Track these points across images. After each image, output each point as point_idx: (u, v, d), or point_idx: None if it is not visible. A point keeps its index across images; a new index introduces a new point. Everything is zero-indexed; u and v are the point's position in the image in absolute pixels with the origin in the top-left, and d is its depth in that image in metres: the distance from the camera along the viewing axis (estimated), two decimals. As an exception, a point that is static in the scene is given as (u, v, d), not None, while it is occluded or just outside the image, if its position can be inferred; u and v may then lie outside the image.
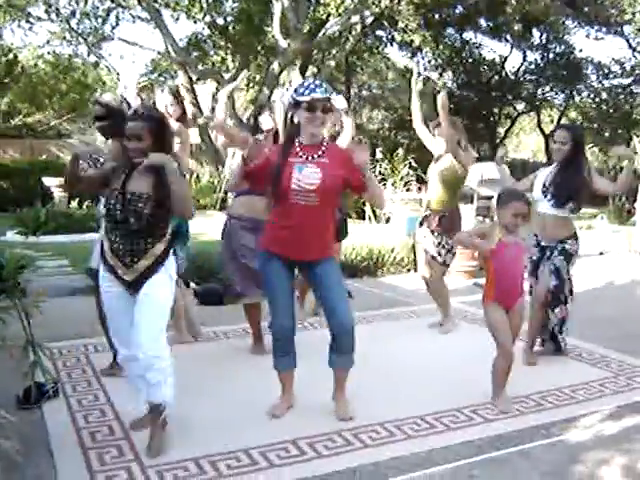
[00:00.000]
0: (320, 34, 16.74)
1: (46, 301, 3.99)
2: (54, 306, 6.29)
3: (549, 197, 5.03)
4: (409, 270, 9.01)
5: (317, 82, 3.85)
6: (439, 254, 5.86)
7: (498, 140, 27.24)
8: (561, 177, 5.02)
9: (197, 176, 17.66)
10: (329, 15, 16.27)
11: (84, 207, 12.99)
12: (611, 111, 23.38)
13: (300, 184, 3.76)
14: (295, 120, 3.89)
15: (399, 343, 5.61)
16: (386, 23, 19.73)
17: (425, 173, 6.88)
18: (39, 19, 16.76)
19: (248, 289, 5.13)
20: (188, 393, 4.17)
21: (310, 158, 3.82)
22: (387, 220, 11.88)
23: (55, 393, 4.32)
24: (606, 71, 24.09)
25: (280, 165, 3.80)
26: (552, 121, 28.26)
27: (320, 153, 3.84)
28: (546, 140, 27.39)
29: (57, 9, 16.37)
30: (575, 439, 3.84)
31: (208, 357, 5.28)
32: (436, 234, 5.83)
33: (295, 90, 3.84)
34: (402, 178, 12.96)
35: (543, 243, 5.10)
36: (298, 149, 3.85)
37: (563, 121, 26.76)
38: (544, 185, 5.07)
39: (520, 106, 27.61)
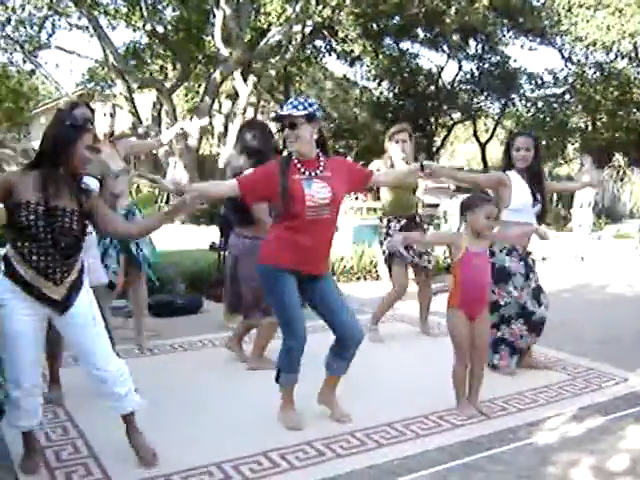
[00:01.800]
0: (262, 43, 16.71)
1: None
2: None
3: (536, 207, 4.99)
4: (359, 278, 9.04)
5: (292, 100, 3.91)
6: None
7: (435, 149, 27.67)
8: (542, 186, 5.06)
9: (137, 186, 17.41)
10: (270, 24, 16.26)
11: None
12: (547, 119, 23.94)
13: (314, 200, 3.78)
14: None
15: (363, 352, 5.59)
16: (326, 33, 19.85)
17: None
18: (-27, 26, 16.35)
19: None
20: (185, 402, 4.27)
21: (313, 174, 3.84)
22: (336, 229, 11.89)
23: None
24: (539, 81, 24.69)
25: (287, 184, 3.77)
26: (487, 130, 28.82)
27: (321, 168, 3.87)
28: (482, 148, 27.95)
29: (-8, 17, 15.99)
30: (543, 441, 3.89)
31: (184, 368, 5.22)
32: None
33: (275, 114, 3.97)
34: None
35: (523, 254, 5.01)
36: (299, 165, 3.85)
37: (498, 130, 27.35)
38: (533, 195, 4.97)
39: (456, 115, 28.10)
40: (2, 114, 20.15)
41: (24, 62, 17.82)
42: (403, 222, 5.91)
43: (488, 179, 5.37)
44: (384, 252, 6.07)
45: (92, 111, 4.92)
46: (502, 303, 4.97)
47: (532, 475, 3.48)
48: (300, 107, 3.81)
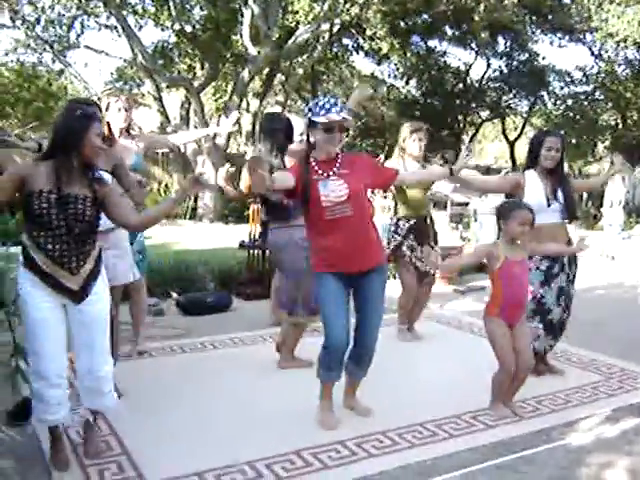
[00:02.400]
0: (290, 42, 16.72)
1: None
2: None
3: (559, 207, 4.92)
4: (388, 277, 8.99)
5: (332, 101, 3.86)
6: None
7: (463, 147, 27.51)
8: (569, 185, 4.99)
9: (166, 185, 17.51)
10: (298, 23, 16.25)
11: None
12: (577, 117, 23.70)
13: (329, 199, 3.78)
14: (312, 139, 3.90)
15: (391, 351, 5.57)
16: (354, 31, 19.80)
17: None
18: (3, 26, 16.50)
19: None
20: (214, 400, 4.30)
21: (330, 174, 3.84)
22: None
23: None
24: (568, 79, 24.43)
25: (307, 185, 3.80)
26: (516, 128, 28.57)
27: (338, 166, 3.87)
28: (511, 147, 27.73)
29: (23, 16, 16.10)
30: (576, 443, 3.84)
31: (214, 366, 5.23)
32: None
33: (310, 110, 3.87)
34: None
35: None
36: (316, 167, 3.86)
37: (527, 128, 27.12)
38: (554, 195, 4.90)
39: (484, 113, 27.88)
40: (32, 113, 20.34)
41: (53, 62, 17.97)
42: (412, 222, 5.86)
43: (500, 185, 5.24)
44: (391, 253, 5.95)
45: (101, 110, 4.93)
46: None
47: (565, 476, 3.45)
48: (346, 112, 3.86)
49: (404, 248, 5.84)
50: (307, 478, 3.40)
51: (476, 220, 11.30)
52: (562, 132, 24.34)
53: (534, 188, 4.88)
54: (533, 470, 3.51)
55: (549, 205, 4.85)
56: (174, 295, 7.38)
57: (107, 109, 5.14)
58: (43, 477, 3.42)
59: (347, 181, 3.83)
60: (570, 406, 4.40)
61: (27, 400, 4.03)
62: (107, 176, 3.92)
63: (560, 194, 4.91)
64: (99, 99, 7.74)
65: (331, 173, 3.84)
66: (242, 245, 8.00)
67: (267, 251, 6.95)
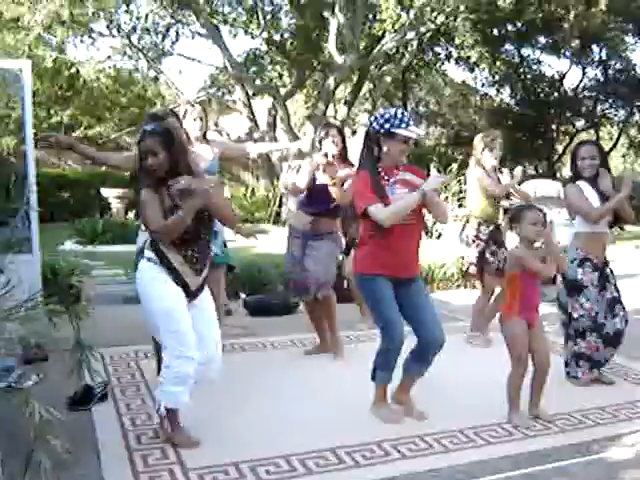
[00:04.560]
0: (376, 50, 16.83)
1: (94, 308, 4.13)
2: (108, 313, 6.53)
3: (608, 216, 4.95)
4: (458, 286, 9.00)
5: (408, 115, 4.09)
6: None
7: (556, 157, 26.94)
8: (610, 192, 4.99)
9: (252, 190, 17.89)
10: (385, 31, 16.35)
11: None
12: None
13: None
14: (384, 148, 4.07)
15: (444, 357, 5.60)
16: (442, 39, 19.75)
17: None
18: (101, 34, 17.17)
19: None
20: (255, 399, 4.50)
21: (395, 180, 4.08)
22: (438, 236, 11.86)
23: (104, 396, 4.47)
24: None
25: (382, 192, 4.00)
26: (611, 138, 27.80)
27: (400, 174, 4.11)
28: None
29: (118, 25, 16.75)
30: (615, 457, 3.80)
31: (275, 364, 5.47)
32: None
33: (387, 120, 4.03)
34: (454, 194, 12.89)
35: (599, 265, 4.95)
36: (382, 173, 4.09)
37: (622, 139, 26.35)
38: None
39: (579, 123, 27.23)
40: (127, 118, 21.14)
41: (148, 69, 18.62)
42: (492, 227, 5.98)
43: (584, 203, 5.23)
44: (473, 256, 6.13)
45: (179, 120, 5.20)
46: (575, 316, 4.94)
47: (596, 489, 3.44)
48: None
49: (487, 255, 5.97)
50: (338, 475, 3.52)
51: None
52: None
53: (589, 197, 4.91)
54: (564, 481, 3.52)
55: None
56: (242, 296, 7.60)
57: (184, 117, 5.41)
58: (92, 457, 3.65)
59: (409, 190, 4.06)
60: (616, 421, 4.34)
61: (87, 387, 4.33)
62: None
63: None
64: (178, 106, 8.07)
65: (396, 180, 4.08)
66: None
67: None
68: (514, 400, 4.28)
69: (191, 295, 3.76)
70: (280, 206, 17.34)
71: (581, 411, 4.45)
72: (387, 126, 4.01)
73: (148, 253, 3.75)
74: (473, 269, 6.20)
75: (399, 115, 4.02)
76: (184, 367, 3.64)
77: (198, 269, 3.75)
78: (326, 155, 5.36)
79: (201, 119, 5.52)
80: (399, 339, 4.08)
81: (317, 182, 5.31)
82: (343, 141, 5.48)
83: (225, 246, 5.83)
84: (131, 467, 3.53)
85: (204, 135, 5.57)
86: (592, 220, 4.86)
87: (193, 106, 5.57)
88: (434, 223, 12.93)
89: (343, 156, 5.45)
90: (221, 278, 5.88)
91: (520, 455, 3.78)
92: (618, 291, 5.06)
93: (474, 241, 6.07)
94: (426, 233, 10.83)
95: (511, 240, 4.86)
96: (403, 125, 3.99)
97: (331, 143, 5.39)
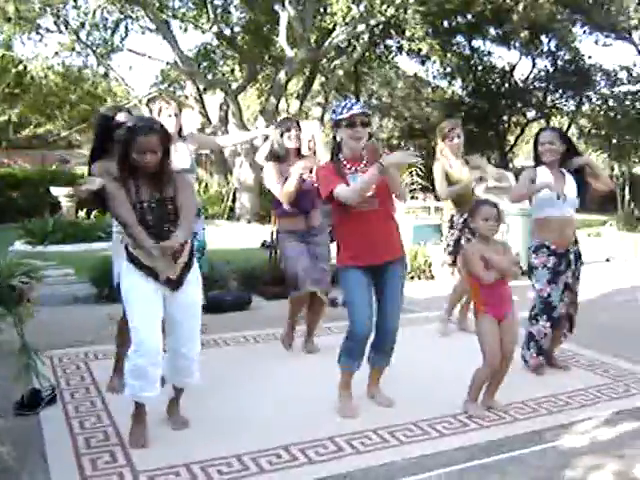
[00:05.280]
0: (327, 43, 16.78)
1: (39, 310, 4.04)
2: (58, 314, 6.41)
3: (570, 200, 4.94)
4: (412, 278, 9.01)
5: (353, 101, 4.20)
6: None
7: (508, 148, 27.22)
8: (576, 177, 5.03)
9: (205, 185, 17.75)
10: (335, 24, 16.32)
11: (91, 217, 13.09)
12: (619, 117, 23.24)
13: None
14: (338, 138, 4.14)
15: (401, 350, 5.59)
16: (393, 32, 19.78)
17: (430, 182, 7.11)
18: (48, 31, 16.85)
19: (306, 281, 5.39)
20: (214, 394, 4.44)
21: (357, 169, 4.10)
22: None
23: (53, 399, 4.36)
24: (614, 78, 23.95)
25: (340, 180, 4.01)
26: (562, 129, 28.12)
27: (365, 162, 4.12)
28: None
29: (66, 21, 16.44)
30: (568, 445, 3.82)
31: (229, 360, 5.39)
32: None
33: (334, 111, 4.16)
34: (407, 185, 12.93)
35: (559, 250, 4.94)
36: (345, 163, 4.12)
37: (572, 128, 26.69)
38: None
39: (530, 113, 27.52)
40: (77, 115, 20.82)
41: (98, 65, 18.32)
42: (466, 215, 5.97)
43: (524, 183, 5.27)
44: (448, 245, 6.22)
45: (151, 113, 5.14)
46: (531, 298, 5.01)
47: (550, 478, 3.44)
48: (366, 108, 4.15)
49: (463, 242, 5.97)
50: (291, 472, 3.46)
51: (504, 222, 11.17)
52: (603, 132, 24.03)
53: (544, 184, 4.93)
54: (518, 470, 3.51)
55: (558, 198, 4.87)
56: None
57: (159, 114, 5.30)
58: (39, 463, 3.54)
59: None
60: (569, 408, 4.36)
61: (35, 391, 4.22)
62: None
63: (571, 187, 4.97)
64: (148, 102, 7.96)
65: (358, 169, 4.10)
66: (264, 245, 8.08)
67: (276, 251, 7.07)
68: (475, 392, 4.27)
69: (170, 284, 3.73)
70: (234, 201, 17.24)
71: (535, 399, 4.47)
72: (334, 117, 4.13)
73: (121, 251, 3.79)
74: (447, 258, 6.26)
75: (342, 104, 4.12)
76: (139, 361, 3.63)
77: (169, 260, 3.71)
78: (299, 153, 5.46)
79: (176, 115, 5.41)
80: (361, 325, 4.11)
81: (305, 182, 5.30)
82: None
83: (202, 254, 5.58)
84: (79, 472, 3.44)
85: (179, 132, 5.46)
86: (510, 200, 5.15)
87: (168, 103, 5.47)
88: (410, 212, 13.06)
89: (299, 150, 5.46)
90: None
91: (475, 446, 3.78)
92: (577, 278, 5.10)
93: (449, 230, 6.20)
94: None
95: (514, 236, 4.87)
96: (345, 111, 4.04)
97: (295, 137, 5.39)
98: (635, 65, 23.18)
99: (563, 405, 4.41)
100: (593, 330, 6.12)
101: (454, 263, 6.20)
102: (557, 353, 5.30)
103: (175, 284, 3.75)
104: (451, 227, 6.20)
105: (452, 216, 6.19)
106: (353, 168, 4.11)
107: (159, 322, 3.74)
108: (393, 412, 4.23)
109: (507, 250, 4.31)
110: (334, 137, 4.20)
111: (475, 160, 6.24)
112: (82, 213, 13.33)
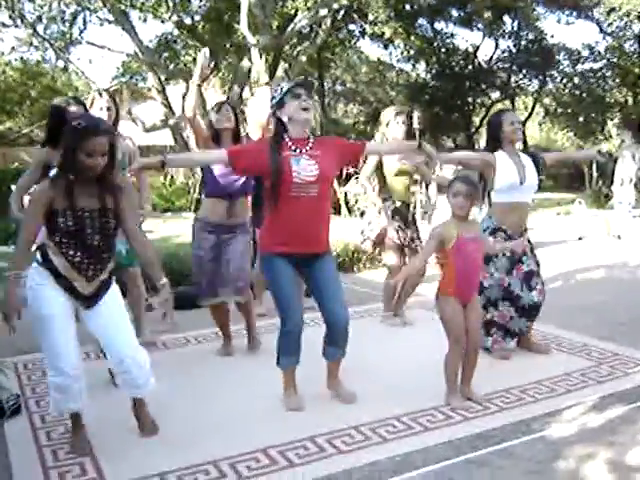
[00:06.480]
0: (289, 29, 16.55)
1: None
2: (22, 316, 6.15)
3: (529, 184, 4.86)
4: (384, 265, 8.86)
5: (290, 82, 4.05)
6: None
7: (473, 129, 27.21)
8: (538, 161, 4.94)
9: (171, 177, 17.46)
10: (297, 9, 16.09)
11: None
12: (584, 95, 23.34)
13: (300, 177, 3.83)
14: (284, 119, 3.94)
15: (373, 341, 5.45)
16: (356, 16, 19.60)
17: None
18: (4, 25, 16.41)
19: (215, 290, 5.11)
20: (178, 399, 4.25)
21: (303, 151, 3.90)
22: (362, 214, 11.75)
23: (17, 410, 4.14)
24: (577, 56, 24.02)
25: (277, 159, 3.83)
26: (526, 108, 28.21)
27: (310, 146, 3.92)
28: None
29: (22, 14, 16.03)
30: (557, 434, 3.70)
31: (191, 361, 5.17)
32: None
33: (273, 97, 4.00)
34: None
35: (515, 236, 4.82)
36: (290, 143, 3.90)
37: (538, 108, 26.78)
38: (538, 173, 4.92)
39: (494, 95, 27.52)
40: (38, 111, 20.36)
41: (56, 59, 17.92)
42: (398, 204, 5.85)
43: (475, 158, 5.13)
44: (372, 230, 6.02)
45: (86, 109, 4.90)
46: (485, 285, 4.82)
47: (542, 470, 3.31)
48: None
49: (390, 229, 5.78)
50: (271, 477, 3.29)
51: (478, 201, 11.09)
52: (569, 111, 24.13)
53: (506, 168, 4.83)
54: (509, 464, 3.37)
55: (521, 183, 4.80)
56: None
57: (91, 106, 5.06)
58: (3, 478, 3.35)
59: (318, 163, 3.89)
60: (555, 395, 4.24)
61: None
62: None
63: (531, 172, 4.89)
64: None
65: (304, 151, 3.90)
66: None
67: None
68: (452, 381, 4.14)
69: (84, 301, 3.50)
70: (200, 193, 16.96)
71: (519, 387, 4.35)
72: (276, 96, 3.96)
73: (37, 256, 3.49)
74: (368, 244, 6.07)
75: (279, 86, 4.02)
76: (57, 378, 3.48)
77: (89, 275, 3.46)
78: None
79: (109, 109, 5.13)
80: (294, 320, 3.98)
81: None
82: (236, 118, 5.16)
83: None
84: (47, 487, 3.24)
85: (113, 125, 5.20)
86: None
87: (101, 94, 5.20)
88: (356, 201, 12.93)
89: (235, 133, 5.06)
90: (137, 276, 5.51)
91: (461, 440, 3.64)
92: (537, 264, 5.00)
93: (377, 217, 5.92)
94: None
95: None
96: (285, 86, 3.95)
97: (225, 118, 5.03)
98: (597, 43, 23.29)
99: (548, 392, 4.28)
100: (572, 311, 6.04)
101: (374, 250, 6.16)
102: (537, 337, 5.20)
103: (88, 302, 3.51)
104: (378, 212, 5.89)
105: (384, 200, 5.84)
106: (298, 150, 3.89)
107: (74, 337, 3.51)
108: (372, 407, 4.06)
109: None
110: (278, 120, 3.97)
111: (426, 147, 6.03)
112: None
